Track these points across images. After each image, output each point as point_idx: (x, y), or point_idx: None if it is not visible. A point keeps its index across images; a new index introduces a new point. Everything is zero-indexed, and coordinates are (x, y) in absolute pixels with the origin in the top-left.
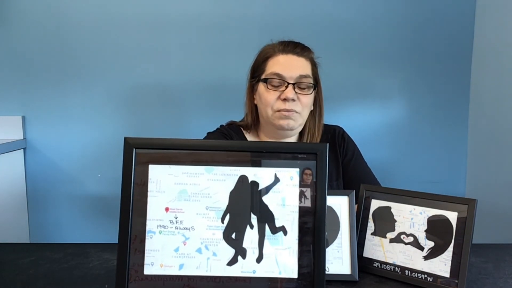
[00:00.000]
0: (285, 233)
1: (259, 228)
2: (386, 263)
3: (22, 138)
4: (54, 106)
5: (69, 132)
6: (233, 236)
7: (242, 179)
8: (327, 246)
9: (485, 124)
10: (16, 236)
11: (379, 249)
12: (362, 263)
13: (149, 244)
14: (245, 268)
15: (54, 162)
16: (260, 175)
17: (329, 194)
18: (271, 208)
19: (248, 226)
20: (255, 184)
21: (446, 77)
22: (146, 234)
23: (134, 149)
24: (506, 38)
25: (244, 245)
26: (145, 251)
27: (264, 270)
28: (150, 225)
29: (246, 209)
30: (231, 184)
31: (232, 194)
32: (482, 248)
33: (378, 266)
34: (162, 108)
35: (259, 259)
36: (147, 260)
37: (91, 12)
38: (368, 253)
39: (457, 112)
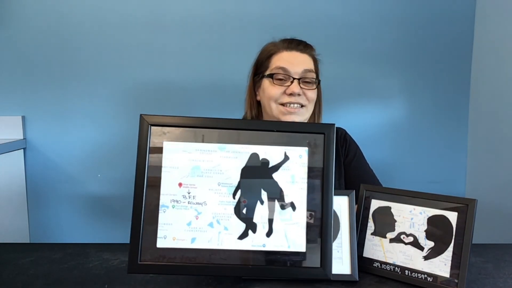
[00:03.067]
0: (294, 208)
1: (269, 204)
2: (386, 263)
3: (22, 138)
4: (54, 106)
5: (69, 132)
6: (244, 211)
7: (253, 156)
8: None
9: (485, 124)
10: (16, 236)
11: (379, 249)
12: (362, 263)
13: (162, 218)
14: (255, 242)
15: (54, 162)
16: (271, 153)
17: None
18: (280, 184)
19: (258, 202)
20: (265, 161)
21: (446, 77)
22: (160, 208)
23: (149, 126)
24: (506, 38)
25: (254, 220)
26: (158, 225)
27: (273, 244)
28: (164, 199)
29: (256, 185)
30: (242, 161)
31: (244, 171)
32: (482, 248)
33: (378, 266)
34: (162, 107)
35: (269, 234)
36: (160, 233)
37: (91, 12)
38: (368, 253)
39: (457, 112)
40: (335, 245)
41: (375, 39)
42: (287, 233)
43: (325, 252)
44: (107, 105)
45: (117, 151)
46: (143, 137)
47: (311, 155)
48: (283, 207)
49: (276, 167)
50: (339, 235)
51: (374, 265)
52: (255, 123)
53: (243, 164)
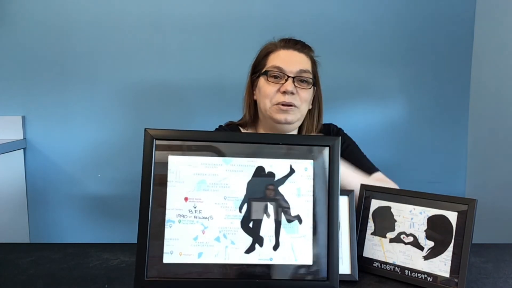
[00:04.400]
0: (300, 221)
1: (275, 217)
2: (386, 263)
3: (22, 138)
4: (54, 106)
5: (69, 132)
6: (251, 225)
7: (259, 169)
8: None
9: (485, 124)
10: (16, 236)
11: (379, 249)
12: (362, 263)
13: (168, 233)
14: (262, 255)
15: (54, 162)
16: (276, 166)
17: None
18: (286, 197)
19: (264, 215)
20: (271, 174)
21: (446, 77)
22: (166, 223)
23: (154, 140)
24: (506, 38)
25: (261, 234)
26: (165, 240)
27: (280, 257)
28: (170, 214)
29: (262, 199)
30: (248, 175)
31: (250, 184)
32: (482, 248)
33: (378, 266)
34: (162, 108)
35: (275, 247)
36: (166, 248)
37: (91, 12)
38: (368, 253)
39: (457, 112)
40: None
41: (375, 39)
42: (294, 246)
43: (332, 265)
44: (107, 105)
45: (117, 151)
46: (147, 151)
47: (316, 167)
48: (289, 220)
49: (282, 180)
50: (339, 235)
51: (374, 265)
52: (260, 136)
53: (249, 178)
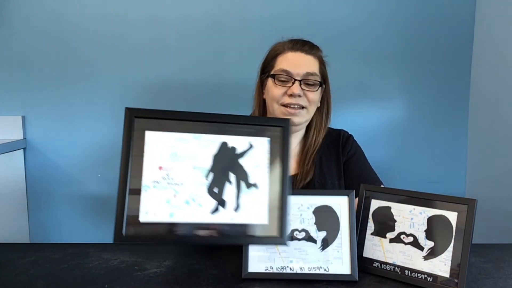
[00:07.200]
0: (257, 188)
1: (236, 184)
2: (386, 263)
3: (22, 138)
4: (54, 106)
5: (69, 132)
6: (215, 190)
7: (223, 145)
8: (327, 246)
9: (485, 124)
10: (16, 236)
11: (379, 249)
12: (362, 263)
13: (144, 196)
14: (225, 216)
15: (54, 162)
16: (238, 142)
17: (329, 194)
18: (246, 168)
19: (227, 182)
20: (233, 149)
21: (446, 77)
22: (142, 188)
23: (133, 117)
24: (506, 38)
25: (224, 197)
26: (141, 202)
27: (240, 218)
28: (146, 180)
29: (226, 168)
30: (214, 149)
31: (215, 157)
32: (482, 248)
33: (378, 266)
34: (162, 107)
35: (236, 209)
36: (142, 209)
37: (91, 13)
38: (368, 253)
39: (457, 112)
40: (335, 245)
41: (375, 39)
42: (252, 208)
43: (284, 224)
44: (107, 105)
45: (117, 151)
46: (128, 126)
47: (272, 144)
48: (248, 186)
49: (242, 154)
50: (339, 235)
51: (374, 265)
52: (225, 116)
53: (215, 151)
